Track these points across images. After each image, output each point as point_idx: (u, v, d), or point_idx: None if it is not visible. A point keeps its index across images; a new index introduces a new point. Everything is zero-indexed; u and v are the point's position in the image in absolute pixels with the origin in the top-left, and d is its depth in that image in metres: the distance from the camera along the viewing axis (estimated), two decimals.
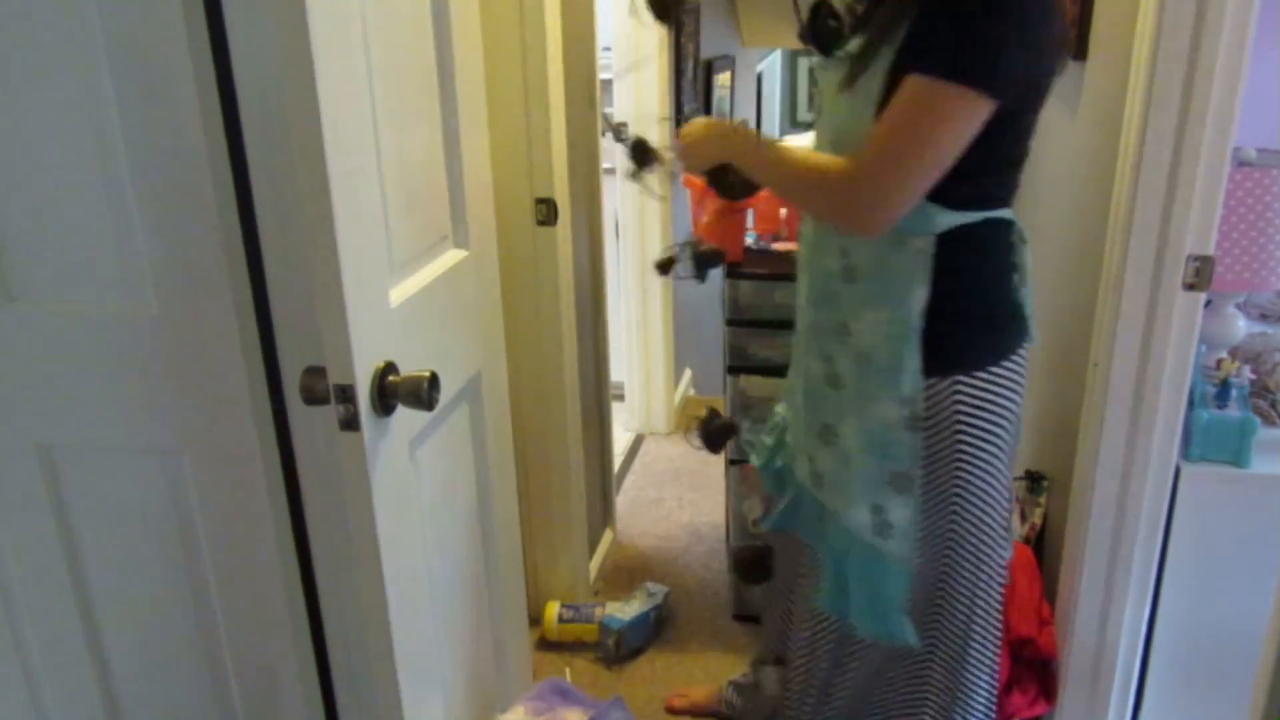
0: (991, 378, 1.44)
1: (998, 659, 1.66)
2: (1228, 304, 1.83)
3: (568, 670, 2.32)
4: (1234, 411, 1.76)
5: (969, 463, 1.45)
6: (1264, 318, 2.13)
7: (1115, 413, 1.72)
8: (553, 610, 2.40)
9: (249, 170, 1.22)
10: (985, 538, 1.52)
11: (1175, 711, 1.92)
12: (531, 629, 2.26)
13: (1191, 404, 1.77)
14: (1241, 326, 1.85)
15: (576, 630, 2.39)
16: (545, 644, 2.41)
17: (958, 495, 1.47)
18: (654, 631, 2.47)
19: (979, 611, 1.58)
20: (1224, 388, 1.78)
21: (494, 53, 1.91)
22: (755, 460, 1.85)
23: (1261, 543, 1.77)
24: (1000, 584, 1.60)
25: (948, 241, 1.37)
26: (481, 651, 1.66)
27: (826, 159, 1.39)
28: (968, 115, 1.26)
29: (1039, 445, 2.44)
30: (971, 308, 1.43)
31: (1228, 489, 1.77)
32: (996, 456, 1.47)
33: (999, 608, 1.62)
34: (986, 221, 1.39)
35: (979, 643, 1.61)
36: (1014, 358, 1.47)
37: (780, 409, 1.79)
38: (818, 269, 1.51)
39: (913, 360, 1.40)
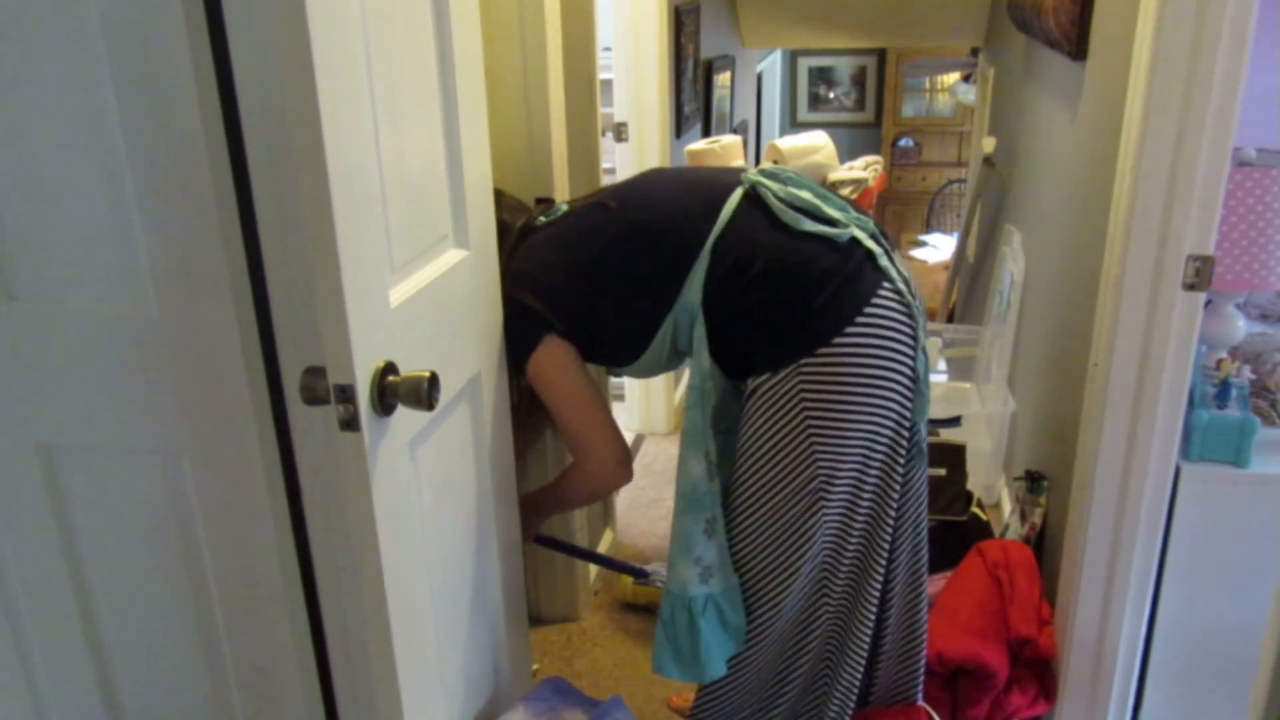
0: (834, 351, 1.51)
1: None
2: (1228, 304, 1.83)
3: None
4: (1234, 411, 1.76)
5: (820, 438, 1.54)
6: (1264, 318, 2.13)
7: (1115, 413, 1.72)
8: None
9: (249, 170, 1.22)
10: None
11: (1175, 711, 1.92)
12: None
13: (1191, 404, 1.77)
14: (1241, 326, 1.85)
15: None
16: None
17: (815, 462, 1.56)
18: None
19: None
20: (1224, 388, 1.79)
21: (494, 53, 1.91)
22: None
23: (1261, 543, 1.77)
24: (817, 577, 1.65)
25: (707, 295, 1.57)
26: (481, 651, 1.66)
27: (563, 477, 1.84)
28: (558, 356, 1.62)
29: (1039, 445, 2.44)
30: (763, 311, 1.55)
31: (1228, 489, 1.77)
32: (849, 428, 1.54)
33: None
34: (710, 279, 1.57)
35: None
36: (861, 320, 1.51)
37: None
38: None
39: (702, 421, 1.60)
